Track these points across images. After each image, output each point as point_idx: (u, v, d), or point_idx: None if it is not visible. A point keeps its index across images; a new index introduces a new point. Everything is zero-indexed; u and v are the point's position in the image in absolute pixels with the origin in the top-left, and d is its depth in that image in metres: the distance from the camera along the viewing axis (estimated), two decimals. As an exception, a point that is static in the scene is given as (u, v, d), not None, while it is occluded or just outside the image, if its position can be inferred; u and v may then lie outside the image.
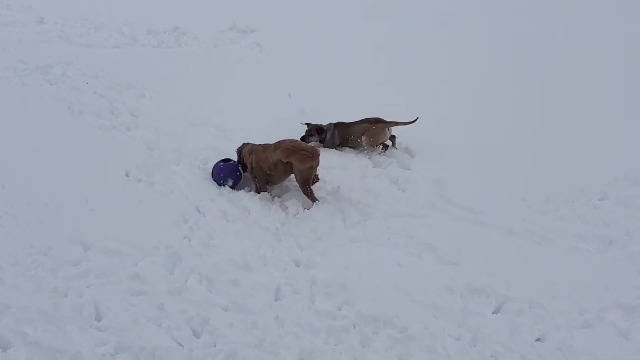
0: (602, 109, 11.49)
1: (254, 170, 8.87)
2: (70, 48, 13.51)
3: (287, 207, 8.58)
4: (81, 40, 14.10)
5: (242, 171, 9.08)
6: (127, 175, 8.80)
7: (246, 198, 8.64)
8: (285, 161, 8.47)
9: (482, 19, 16.38)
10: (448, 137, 10.51)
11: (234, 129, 10.32)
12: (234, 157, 9.19)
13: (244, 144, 9.20)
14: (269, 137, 9.17)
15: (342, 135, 10.17)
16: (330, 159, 9.69)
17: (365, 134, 9.91)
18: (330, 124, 10.24)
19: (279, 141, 8.76)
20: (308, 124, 10.23)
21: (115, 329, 6.14)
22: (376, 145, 10.01)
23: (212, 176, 9.01)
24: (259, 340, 6.20)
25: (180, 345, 6.08)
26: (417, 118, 9.82)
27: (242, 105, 11.41)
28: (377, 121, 9.94)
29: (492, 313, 6.80)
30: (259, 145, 8.99)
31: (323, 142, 10.18)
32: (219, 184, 8.90)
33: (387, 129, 9.95)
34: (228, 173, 8.94)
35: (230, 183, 8.90)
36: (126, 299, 6.55)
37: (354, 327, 6.48)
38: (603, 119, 11.10)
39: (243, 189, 8.93)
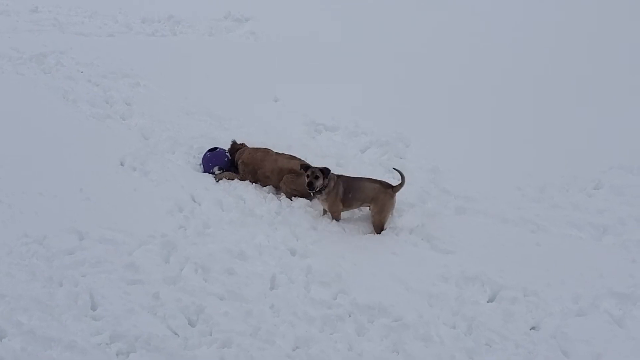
0: (597, 98, 11.49)
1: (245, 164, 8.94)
2: (65, 36, 13.48)
3: (281, 196, 8.57)
4: (75, 29, 14.07)
5: (230, 157, 9.16)
6: (121, 164, 8.79)
7: (241, 187, 8.64)
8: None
9: (478, 6, 16.34)
10: (443, 126, 10.52)
11: (228, 118, 10.32)
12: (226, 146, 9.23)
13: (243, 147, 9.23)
14: (264, 126, 9.16)
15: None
16: (325, 149, 9.69)
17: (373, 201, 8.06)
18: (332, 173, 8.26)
19: (291, 155, 8.85)
20: (306, 166, 8.20)
21: (111, 317, 6.14)
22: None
23: (202, 167, 9.05)
24: (255, 328, 6.21)
25: (176, 334, 6.09)
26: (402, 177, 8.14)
27: (237, 94, 11.39)
28: (388, 186, 8.12)
29: (487, 301, 6.82)
30: (262, 149, 9.06)
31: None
32: (209, 173, 8.93)
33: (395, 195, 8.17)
34: (215, 161, 8.97)
35: (217, 170, 8.93)
36: (121, 287, 6.54)
37: (350, 316, 6.49)
38: (598, 108, 11.10)
39: (237, 177, 8.93)
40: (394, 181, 8.39)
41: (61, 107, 10.17)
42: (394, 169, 8.31)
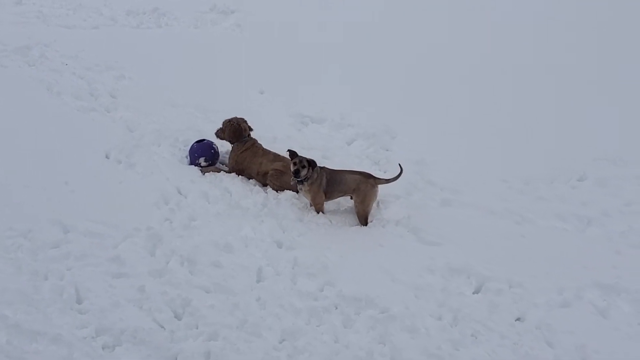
0: (581, 90, 11.55)
1: (236, 162, 8.92)
2: (49, 29, 13.38)
3: (267, 189, 8.57)
4: (59, 21, 13.97)
5: (217, 149, 9.12)
6: (107, 157, 8.75)
7: (227, 179, 8.62)
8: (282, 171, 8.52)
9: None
10: (429, 118, 10.54)
11: (214, 110, 10.26)
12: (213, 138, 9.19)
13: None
14: (250, 118, 9.14)
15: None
16: (311, 141, 9.69)
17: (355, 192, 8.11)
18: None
19: (277, 154, 8.80)
20: (294, 153, 8.17)
21: (96, 311, 6.13)
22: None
23: (189, 159, 9.02)
24: (241, 321, 6.22)
25: (162, 327, 6.08)
26: (401, 171, 8.23)
27: (223, 86, 11.37)
28: (369, 177, 8.17)
29: (473, 293, 6.86)
30: (258, 145, 9.00)
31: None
32: (195, 165, 8.92)
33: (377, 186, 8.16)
34: (201, 152, 8.93)
35: (203, 162, 8.90)
36: (107, 280, 6.53)
37: (336, 308, 6.51)
38: (582, 100, 11.16)
39: (223, 170, 8.92)
40: (380, 174, 8.43)
41: (46, 100, 10.10)
42: (399, 165, 8.30)
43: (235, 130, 8.92)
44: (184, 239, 7.33)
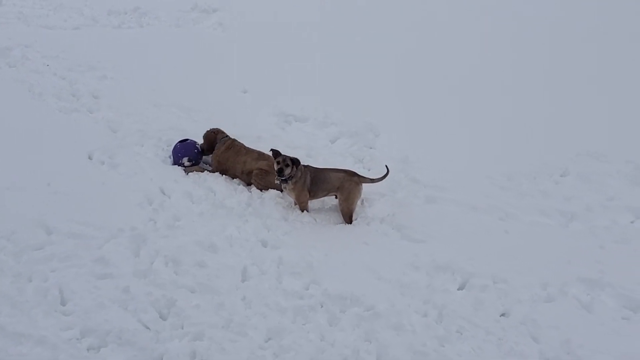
0: (564, 86, 11.61)
1: (218, 162, 8.91)
2: (30, 30, 13.31)
3: (252, 188, 8.55)
4: (40, 22, 13.91)
5: (200, 150, 9.09)
6: (90, 157, 8.70)
7: (211, 179, 8.60)
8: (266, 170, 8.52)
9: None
10: (412, 116, 10.56)
11: (197, 110, 10.26)
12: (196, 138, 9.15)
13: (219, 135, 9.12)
14: (233, 117, 9.13)
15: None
16: (295, 139, 9.69)
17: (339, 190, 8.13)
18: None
19: (261, 152, 8.80)
20: (277, 152, 8.15)
21: (81, 312, 6.08)
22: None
23: (172, 159, 8.99)
24: (226, 321, 6.20)
25: (147, 327, 6.05)
26: (388, 172, 8.28)
27: (205, 85, 11.34)
28: (353, 175, 8.20)
29: (457, 289, 6.88)
30: (238, 144, 9.00)
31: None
32: (178, 164, 8.89)
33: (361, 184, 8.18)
34: (185, 152, 8.91)
35: (187, 162, 8.88)
36: (91, 282, 6.48)
37: (321, 306, 6.50)
38: (565, 96, 11.22)
39: (206, 169, 8.90)
40: (364, 172, 8.45)
41: (27, 101, 10.03)
42: (386, 166, 8.33)
43: (208, 136, 9.04)
44: (168, 239, 7.30)
